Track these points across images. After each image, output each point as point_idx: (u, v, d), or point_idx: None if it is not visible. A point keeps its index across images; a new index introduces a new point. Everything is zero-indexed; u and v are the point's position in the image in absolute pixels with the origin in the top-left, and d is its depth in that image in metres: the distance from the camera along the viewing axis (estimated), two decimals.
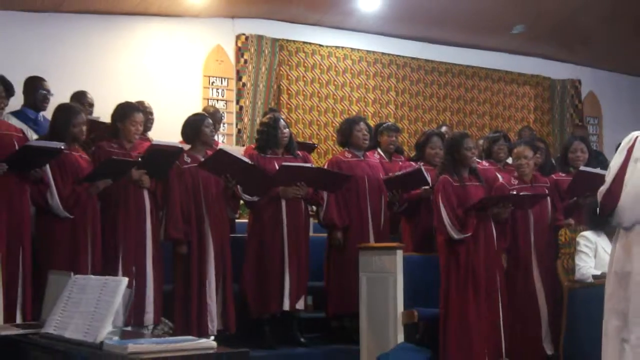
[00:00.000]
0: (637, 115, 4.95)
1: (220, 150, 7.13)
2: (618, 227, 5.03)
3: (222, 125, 9.86)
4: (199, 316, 6.79)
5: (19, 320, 5.74)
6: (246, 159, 7.21)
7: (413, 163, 8.11)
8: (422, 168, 7.57)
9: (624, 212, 4.92)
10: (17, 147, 6.06)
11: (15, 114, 7.45)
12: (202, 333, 6.54)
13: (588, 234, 6.92)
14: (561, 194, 7.45)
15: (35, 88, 7.66)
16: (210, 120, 7.32)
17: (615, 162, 5.01)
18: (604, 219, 5.16)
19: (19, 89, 7.34)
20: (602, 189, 5.02)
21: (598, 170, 6.98)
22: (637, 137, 4.97)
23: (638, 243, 4.84)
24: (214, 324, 6.83)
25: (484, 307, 6.81)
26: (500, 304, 6.92)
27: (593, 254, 6.86)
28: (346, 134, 7.96)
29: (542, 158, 7.72)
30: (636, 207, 4.85)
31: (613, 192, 4.95)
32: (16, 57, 8.15)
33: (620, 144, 5.09)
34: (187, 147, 7.16)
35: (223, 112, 10.12)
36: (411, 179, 7.65)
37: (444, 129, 9.33)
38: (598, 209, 5.06)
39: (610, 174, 4.99)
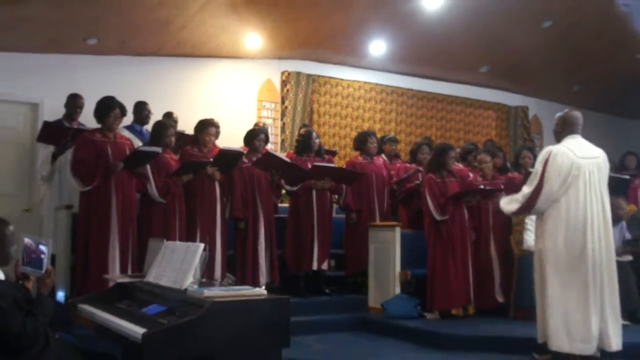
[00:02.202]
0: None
1: (267, 152, 7.19)
2: (538, 214, 5.13)
3: (270, 136, 9.92)
4: (253, 272, 6.83)
5: (129, 272, 5.85)
6: (286, 159, 7.27)
7: (408, 165, 8.15)
8: (419, 168, 7.63)
9: (542, 204, 5.01)
10: (127, 152, 6.13)
11: (127, 127, 7.56)
12: (256, 284, 6.59)
13: (533, 216, 6.95)
14: (514, 187, 7.43)
15: (141, 109, 7.75)
16: (263, 136, 7.28)
17: (536, 170, 5.11)
18: (531, 209, 5.25)
19: (130, 110, 7.48)
20: (528, 190, 5.13)
21: None
22: (551, 151, 5.06)
23: (548, 225, 5.03)
24: (264, 277, 6.88)
25: (459, 267, 6.84)
26: (470, 265, 6.95)
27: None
28: (362, 143, 7.97)
29: (501, 162, 7.72)
30: (549, 201, 4.95)
31: (536, 192, 5.04)
32: (128, 88, 8.19)
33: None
34: (245, 151, 7.22)
35: (271, 127, 10.17)
36: (410, 177, 7.73)
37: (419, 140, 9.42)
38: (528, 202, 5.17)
39: (534, 179, 5.11)
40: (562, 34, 10.13)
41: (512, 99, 12.89)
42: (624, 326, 6.15)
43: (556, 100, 12.85)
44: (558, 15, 9.64)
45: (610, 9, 9.46)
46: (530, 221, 6.94)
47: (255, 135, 7.22)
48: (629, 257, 6.92)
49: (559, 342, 4.89)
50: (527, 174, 7.20)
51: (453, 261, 6.80)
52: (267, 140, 7.47)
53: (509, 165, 8.05)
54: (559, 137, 5.27)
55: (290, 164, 7.09)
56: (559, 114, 5.35)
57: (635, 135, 13.05)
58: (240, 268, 6.84)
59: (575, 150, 5.06)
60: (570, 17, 9.69)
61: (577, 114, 5.26)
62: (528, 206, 5.14)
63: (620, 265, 6.80)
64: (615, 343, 4.94)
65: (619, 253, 6.95)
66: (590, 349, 4.86)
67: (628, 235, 7.24)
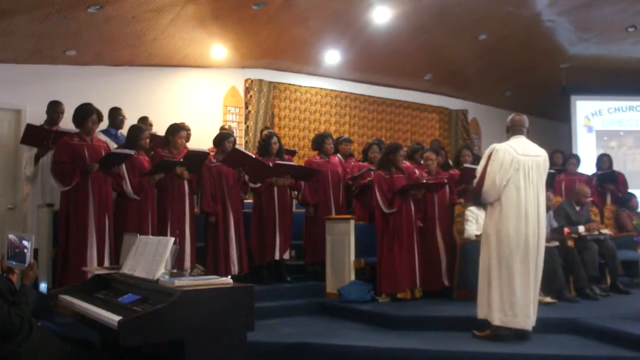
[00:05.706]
0: (502, 133, 5.15)
1: (234, 148, 7.15)
2: (485, 204, 5.23)
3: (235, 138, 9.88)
4: (225, 262, 6.79)
5: (106, 264, 5.78)
6: (251, 154, 7.25)
7: (361, 163, 8.18)
8: (372, 167, 7.64)
9: (487, 194, 5.12)
10: (103, 154, 6.06)
11: (103, 131, 7.43)
12: (228, 273, 6.58)
13: (473, 208, 7.04)
14: (455, 182, 7.53)
15: (116, 115, 7.65)
16: (233, 138, 7.28)
17: (481, 164, 5.22)
18: (477, 199, 5.36)
19: (106, 115, 7.39)
20: (475, 181, 5.22)
21: (475, 167, 7.09)
22: (494, 147, 5.18)
23: (495, 213, 5.10)
24: (235, 267, 6.84)
25: (405, 255, 6.86)
26: (416, 254, 6.99)
27: (475, 220, 6.97)
28: (320, 143, 7.99)
29: (442, 160, 7.80)
30: (493, 191, 5.06)
31: (480, 182, 5.14)
32: (104, 96, 8.10)
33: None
34: (213, 152, 7.17)
35: (236, 130, 10.12)
36: (364, 175, 7.73)
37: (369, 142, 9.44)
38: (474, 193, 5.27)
39: (479, 171, 5.19)
40: (495, 45, 10.27)
41: (453, 103, 13.02)
42: (551, 304, 6.34)
43: (491, 104, 13.06)
44: (491, 29, 9.77)
45: (537, 24, 9.63)
46: (471, 213, 7.04)
47: (226, 138, 7.23)
48: (556, 243, 7.08)
49: (504, 317, 5.02)
50: (465, 170, 7.34)
51: (399, 250, 6.82)
52: (234, 143, 7.44)
53: (450, 162, 8.13)
54: (508, 137, 5.39)
55: (254, 159, 7.06)
56: (509, 117, 5.45)
57: (561, 134, 13.29)
58: (212, 259, 6.79)
59: (517, 148, 5.18)
60: (502, 30, 9.83)
61: (521, 118, 5.37)
62: (476, 194, 5.26)
63: (548, 250, 6.96)
64: (534, 319, 5.12)
65: (547, 239, 7.11)
66: (529, 323, 5.03)
67: (554, 224, 7.40)
